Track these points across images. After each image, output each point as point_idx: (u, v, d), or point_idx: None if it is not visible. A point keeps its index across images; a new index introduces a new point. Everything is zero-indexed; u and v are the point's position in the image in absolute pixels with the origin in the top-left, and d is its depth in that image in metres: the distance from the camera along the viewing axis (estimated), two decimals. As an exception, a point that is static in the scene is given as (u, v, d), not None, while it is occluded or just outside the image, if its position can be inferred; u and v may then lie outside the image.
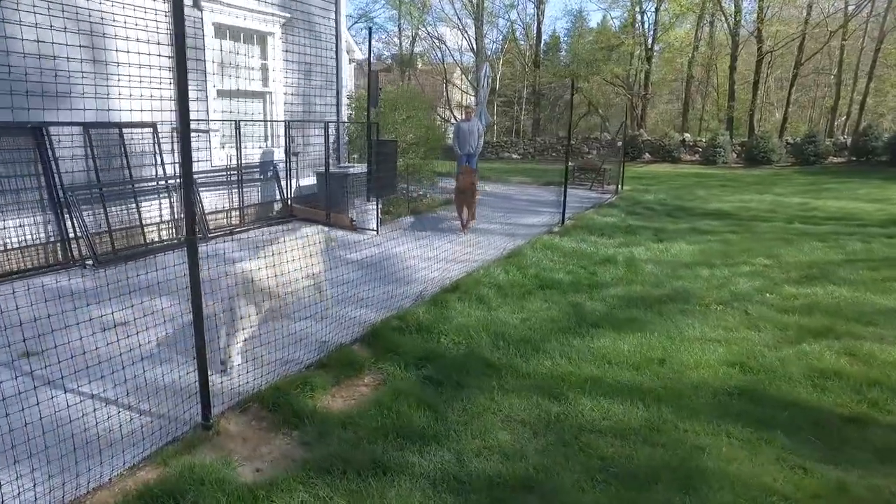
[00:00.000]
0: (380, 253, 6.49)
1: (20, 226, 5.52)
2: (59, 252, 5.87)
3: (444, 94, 33.13)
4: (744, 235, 8.34)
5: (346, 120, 9.79)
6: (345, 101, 9.77)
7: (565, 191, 9.08)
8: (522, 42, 34.70)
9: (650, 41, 29.48)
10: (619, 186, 13.56)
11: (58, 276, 5.38)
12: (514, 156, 27.15)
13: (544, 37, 34.79)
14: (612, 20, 35.79)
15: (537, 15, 31.71)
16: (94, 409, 3.09)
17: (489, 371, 3.82)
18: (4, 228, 5.40)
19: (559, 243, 7.39)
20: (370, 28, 8.59)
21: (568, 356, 4.06)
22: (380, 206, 7.87)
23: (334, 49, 9.30)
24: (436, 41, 33.79)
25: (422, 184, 10.14)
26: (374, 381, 3.71)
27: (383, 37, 35.73)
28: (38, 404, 2.78)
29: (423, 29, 33.84)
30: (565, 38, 41.20)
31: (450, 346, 4.21)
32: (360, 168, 8.37)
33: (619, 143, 14.23)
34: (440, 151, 11.20)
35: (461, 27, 31.89)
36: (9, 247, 5.46)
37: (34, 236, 5.66)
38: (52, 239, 5.82)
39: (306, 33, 8.68)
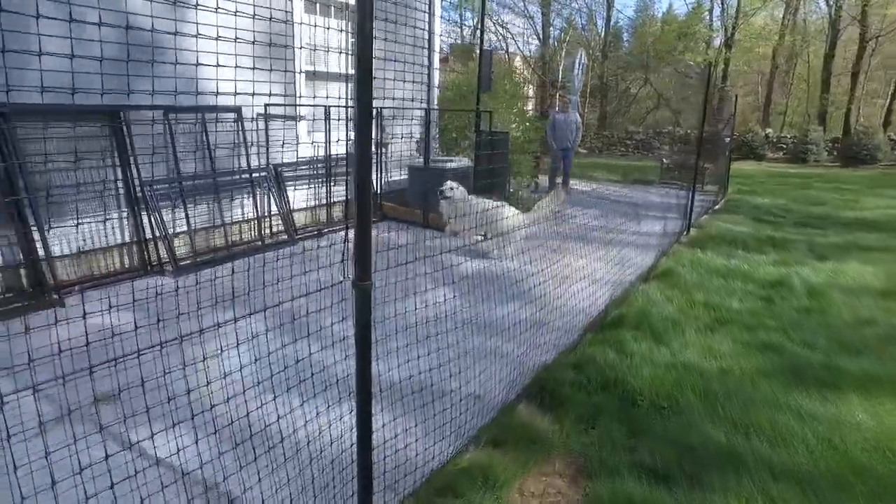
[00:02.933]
0: (492, 265, 5.44)
1: (95, 226, 4.70)
2: (136, 256, 5.03)
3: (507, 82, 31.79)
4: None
5: (439, 108, 8.74)
6: (436, 85, 8.73)
7: (693, 195, 7.80)
8: (584, 31, 32.94)
9: (730, 28, 27.34)
10: (726, 189, 12.09)
11: (136, 285, 4.51)
12: (581, 150, 25.67)
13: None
14: (685, 5, 33.61)
15: (607, 2, 29.95)
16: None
17: (727, 460, 2.69)
18: (78, 227, 4.58)
19: (705, 259, 6.15)
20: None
21: (820, 434, 2.89)
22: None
23: (427, 26, 8.26)
24: (500, 28, 32.43)
25: (523, 179, 9.00)
26: (570, 470, 2.63)
27: (444, 26, 34.59)
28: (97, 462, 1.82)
29: (487, 17, 32.52)
30: (628, 28, 39.10)
31: (651, 411, 3.09)
32: (460, 162, 7.31)
33: (728, 139, 12.72)
34: (537, 145, 10.04)
35: (527, 14, 30.45)
36: (81, 250, 4.64)
37: (109, 238, 4.83)
38: (127, 241, 4.98)
39: (399, 8, 7.65)
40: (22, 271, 4.27)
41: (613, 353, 3.67)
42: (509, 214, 5.83)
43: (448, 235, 6.50)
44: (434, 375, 2.91)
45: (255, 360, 2.49)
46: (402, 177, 8.01)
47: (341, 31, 7.14)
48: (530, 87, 33.04)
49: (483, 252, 6.00)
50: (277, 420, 2.47)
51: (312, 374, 2.62)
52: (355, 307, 1.74)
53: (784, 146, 23.23)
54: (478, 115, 6.65)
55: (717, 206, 10.54)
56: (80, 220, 4.59)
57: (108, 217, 4.80)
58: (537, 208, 6.10)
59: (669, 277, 5.34)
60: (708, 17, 29.38)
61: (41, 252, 4.20)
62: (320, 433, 2.62)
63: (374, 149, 7.46)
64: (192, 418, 2.04)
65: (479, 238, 5.72)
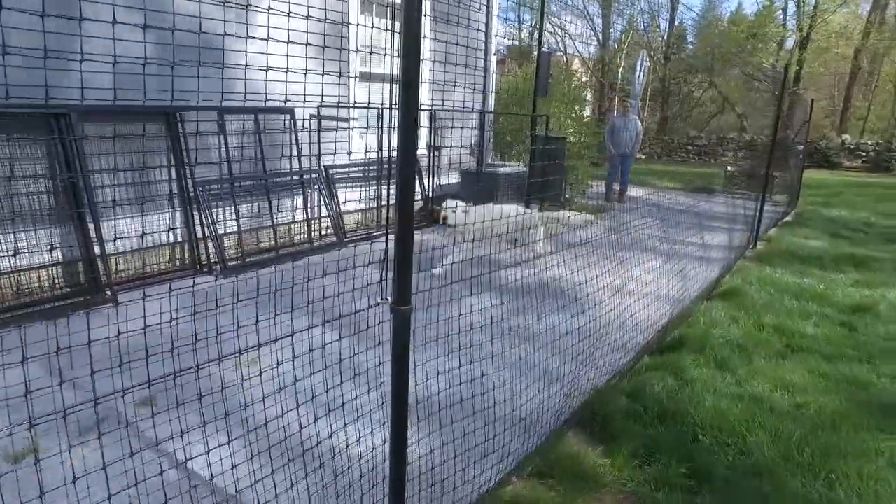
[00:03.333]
0: (545, 274, 5.19)
1: (149, 224, 4.77)
2: (187, 255, 5.09)
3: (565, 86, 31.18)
4: None
5: (493, 111, 8.55)
6: (492, 89, 8.54)
7: (761, 205, 7.30)
8: (646, 33, 31.86)
9: (806, 27, 25.80)
10: (797, 199, 11.34)
11: (185, 284, 4.54)
12: (640, 155, 24.82)
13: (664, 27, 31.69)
14: (756, 3, 32.02)
15: (671, 2, 28.89)
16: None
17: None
18: (132, 226, 4.67)
19: (775, 277, 5.69)
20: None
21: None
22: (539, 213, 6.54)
23: (484, 27, 8.09)
24: (558, 30, 31.86)
25: (579, 185, 8.68)
26: (623, 512, 2.40)
27: (502, 28, 34.29)
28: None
29: (546, 19, 32.03)
30: (692, 29, 37.55)
31: (715, 448, 2.80)
32: (513, 168, 7.09)
33: (801, 147, 11.92)
34: (593, 149, 9.69)
35: (587, 16, 29.77)
36: (135, 248, 4.72)
37: (162, 236, 4.90)
38: (179, 240, 5.05)
39: (454, 9, 7.52)
40: (80, 268, 4.36)
41: (672, 379, 3.39)
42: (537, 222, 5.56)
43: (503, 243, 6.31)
44: (475, 387, 2.74)
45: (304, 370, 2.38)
46: (456, 180, 7.87)
47: (396, 32, 7.07)
48: (589, 90, 32.33)
49: (531, 258, 5.76)
50: (328, 435, 2.35)
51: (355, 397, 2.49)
52: (392, 332, 1.59)
53: (863, 154, 21.75)
54: (533, 120, 6.42)
55: (787, 218, 9.90)
56: (134, 219, 4.67)
57: (161, 216, 4.87)
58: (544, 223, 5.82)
59: (735, 296, 4.96)
60: (781, 16, 27.84)
61: (97, 250, 4.28)
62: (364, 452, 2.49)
63: (426, 152, 7.36)
64: (243, 432, 1.94)
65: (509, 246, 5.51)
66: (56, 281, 4.28)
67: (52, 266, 4.23)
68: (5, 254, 3.94)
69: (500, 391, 2.94)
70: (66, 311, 4.01)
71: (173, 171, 4.90)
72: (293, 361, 2.08)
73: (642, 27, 31.17)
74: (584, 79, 32.51)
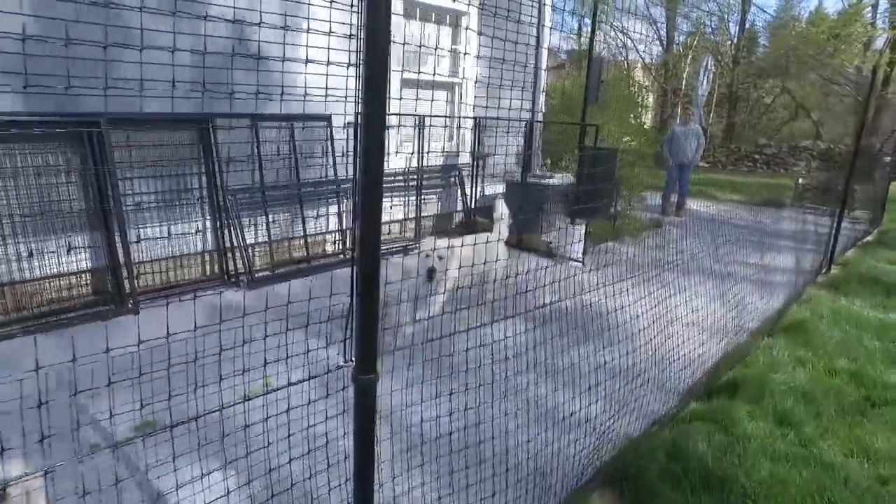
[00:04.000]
0: (587, 297, 4.77)
1: (177, 233, 4.70)
2: (216, 265, 5.00)
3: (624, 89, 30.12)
4: None
5: (544, 119, 8.17)
6: (541, 97, 8.16)
7: (838, 223, 6.58)
8: (714, 35, 30.30)
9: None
10: (881, 216, 10.34)
11: (210, 299, 4.43)
12: (703, 164, 23.56)
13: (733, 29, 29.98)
14: (840, 1, 29.92)
15: (742, 4, 27.38)
16: None
17: None
18: (160, 235, 4.61)
19: (852, 310, 5.04)
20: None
21: None
22: (586, 229, 6.13)
23: (535, 33, 7.73)
24: (620, 35, 30.87)
25: (631, 198, 8.17)
26: None
27: (560, 33, 33.54)
28: None
29: (607, 23, 31.09)
30: (764, 30, 35.44)
31: (771, 529, 2.37)
32: (561, 179, 6.69)
33: (888, 157, 10.86)
34: (650, 159, 9.13)
35: (651, 19, 28.67)
36: (162, 256, 4.66)
37: (190, 246, 4.83)
38: (208, 249, 4.96)
39: (504, 13, 7.19)
40: (106, 276, 4.33)
41: (721, 434, 2.94)
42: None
43: (539, 256, 5.94)
44: (485, 430, 2.42)
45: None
46: (500, 191, 7.54)
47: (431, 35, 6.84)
48: (650, 96, 31.15)
49: (565, 277, 5.35)
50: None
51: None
52: (355, 408, 1.30)
53: (956, 167, 19.85)
54: (582, 130, 6.01)
55: (868, 238, 9.01)
56: (163, 228, 4.60)
57: (190, 225, 4.79)
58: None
59: (802, 332, 4.38)
60: (870, 14, 25.81)
61: (122, 259, 4.23)
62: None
63: (470, 160, 7.07)
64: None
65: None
66: (80, 289, 4.26)
67: (75, 274, 4.20)
68: (30, 260, 3.94)
69: (512, 436, 2.61)
70: (86, 320, 3.97)
71: (203, 179, 4.82)
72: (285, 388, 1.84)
73: (710, 29, 29.77)
74: (646, 84, 31.39)
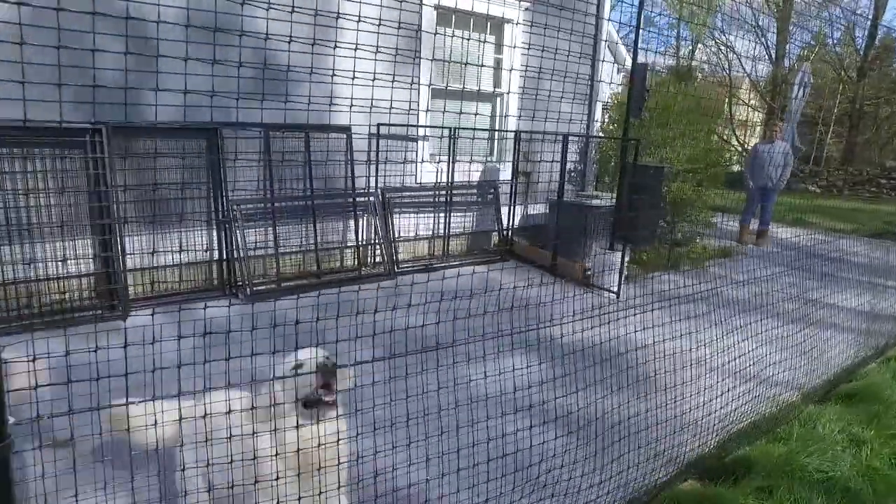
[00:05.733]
0: (619, 336, 4.13)
1: (178, 242, 4.65)
2: (215, 275, 4.91)
3: (727, 110, 27.98)
4: None
5: (595, 134, 7.54)
6: (598, 110, 7.55)
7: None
8: (836, 46, 27.38)
9: None
10: None
11: (201, 311, 4.31)
12: (813, 188, 21.18)
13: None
14: None
15: (874, 7, 24.58)
16: None
17: None
18: (158, 242, 4.58)
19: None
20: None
21: None
22: (627, 256, 5.45)
23: (592, 41, 7.16)
24: (722, 48, 28.85)
25: (693, 222, 7.30)
26: None
27: (659, 48, 31.91)
28: None
29: (708, 35, 29.16)
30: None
31: None
32: (609, 200, 6.07)
33: None
34: (724, 180, 8.16)
35: (759, 30, 26.52)
36: (161, 264, 4.63)
37: (191, 255, 4.77)
38: (207, 259, 4.89)
39: (556, 21, 6.70)
40: (96, 281, 4.34)
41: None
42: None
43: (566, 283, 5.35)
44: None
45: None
46: (543, 211, 7.01)
47: (481, 41, 6.48)
48: (757, 113, 28.77)
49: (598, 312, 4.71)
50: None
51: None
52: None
53: None
54: (624, 147, 5.38)
55: None
56: (163, 235, 4.57)
57: (193, 234, 4.74)
58: None
59: (870, 400, 3.44)
60: None
61: (119, 265, 4.22)
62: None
63: (511, 177, 6.61)
64: None
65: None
66: (74, 292, 4.29)
67: (67, 278, 4.23)
68: (33, 263, 4.01)
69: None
70: (72, 323, 3.96)
71: (209, 188, 4.76)
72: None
73: (832, 41, 27.03)
74: (752, 102, 29.04)
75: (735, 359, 3.29)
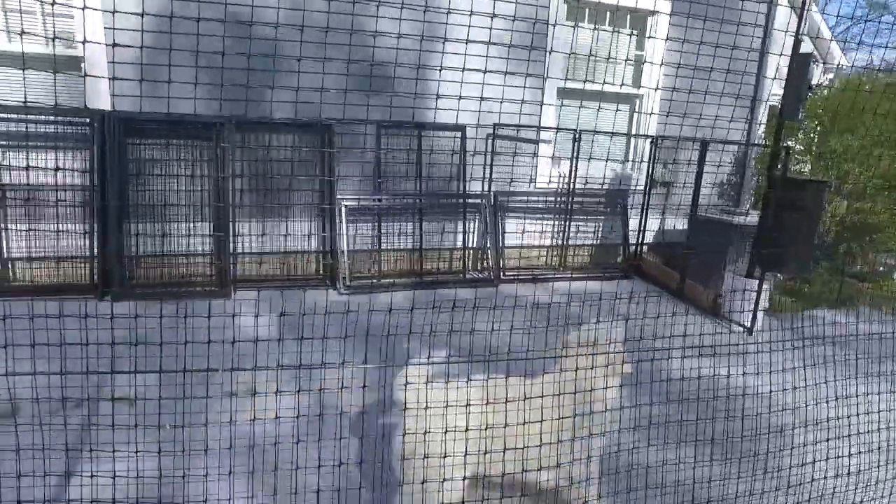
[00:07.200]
0: (744, 382, 3.41)
1: (284, 233, 4.94)
2: (321, 268, 5.12)
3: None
4: None
5: (747, 142, 6.49)
6: (763, 115, 6.49)
7: None
8: None
9: None
10: None
11: (307, 296, 4.53)
12: None
13: None
14: None
15: None
16: None
17: None
18: (272, 229, 4.91)
19: None
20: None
21: None
22: (767, 286, 4.56)
23: (762, 34, 6.16)
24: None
25: (879, 251, 5.93)
26: None
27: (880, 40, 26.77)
28: None
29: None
30: None
31: None
32: (753, 218, 5.16)
33: None
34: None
35: None
36: (268, 251, 4.95)
37: (292, 245, 5.04)
38: (310, 251, 5.11)
39: (714, 12, 5.87)
40: (220, 261, 4.77)
41: None
42: None
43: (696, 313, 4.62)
44: None
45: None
46: (683, 226, 6.21)
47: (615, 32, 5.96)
48: None
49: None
50: None
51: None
52: None
53: None
54: (773, 155, 4.48)
55: None
56: (274, 224, 4.89)
57: (302, 224, 4.99)
58: None
59: None
60: None
61: (231, 248, 4.60)
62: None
63: (645, 187, 5.97)
64: None
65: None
66: (197, 268, 4.77)
67: (185, 256, 4.70)
68: (164, 239, 4.56)
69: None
70: (194, 296, 4.40)
71: (317, 183, 4.99)
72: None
73: None
74: None
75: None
